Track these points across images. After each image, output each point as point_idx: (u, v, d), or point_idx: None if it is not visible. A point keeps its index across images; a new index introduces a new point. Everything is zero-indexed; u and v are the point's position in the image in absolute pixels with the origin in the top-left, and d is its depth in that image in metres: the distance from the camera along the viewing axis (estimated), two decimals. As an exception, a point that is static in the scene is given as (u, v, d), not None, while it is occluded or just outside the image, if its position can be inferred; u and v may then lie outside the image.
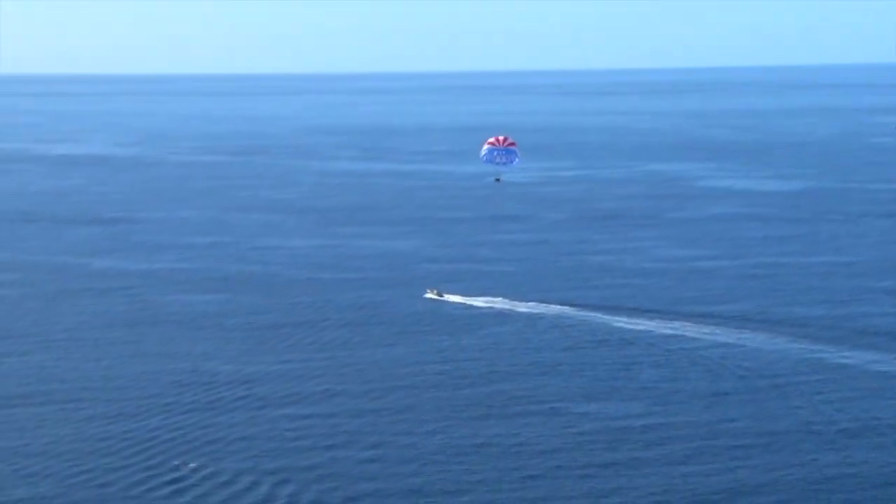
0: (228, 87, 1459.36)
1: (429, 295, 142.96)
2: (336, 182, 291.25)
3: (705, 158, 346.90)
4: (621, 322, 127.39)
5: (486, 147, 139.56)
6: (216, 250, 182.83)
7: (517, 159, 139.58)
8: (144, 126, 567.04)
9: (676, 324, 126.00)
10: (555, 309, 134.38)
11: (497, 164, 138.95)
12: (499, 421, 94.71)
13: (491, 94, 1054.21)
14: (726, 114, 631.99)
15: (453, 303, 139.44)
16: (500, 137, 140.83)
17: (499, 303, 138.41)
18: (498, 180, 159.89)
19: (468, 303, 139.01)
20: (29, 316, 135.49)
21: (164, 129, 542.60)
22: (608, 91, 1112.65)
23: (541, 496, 79.29)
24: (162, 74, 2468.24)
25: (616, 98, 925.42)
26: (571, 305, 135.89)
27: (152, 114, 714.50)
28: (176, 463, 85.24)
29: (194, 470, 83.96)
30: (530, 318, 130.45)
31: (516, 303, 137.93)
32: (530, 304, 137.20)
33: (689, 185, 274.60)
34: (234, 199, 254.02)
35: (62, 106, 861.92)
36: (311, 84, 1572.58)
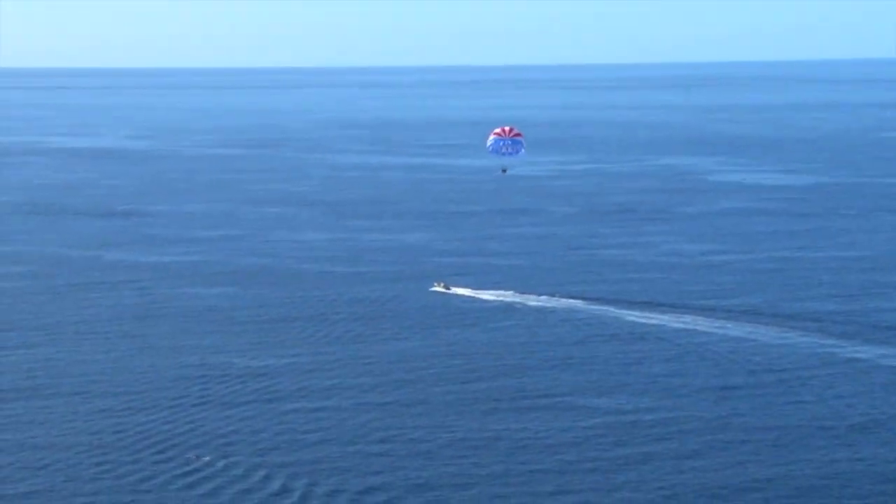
0: (230, 80, 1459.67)
1: (435, 288, 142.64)
2: (342, 176, 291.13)
3: (715, 153, 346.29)
4: (631, 316, 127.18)
5: (492, 137, 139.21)
6: (225, 243, 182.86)
7: (523, 150, 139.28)
8: (149, 119, 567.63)
9: (687, 318, 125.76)
10: (564, 303, 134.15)
11: (503, 154, 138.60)
12: (507, 415, 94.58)
13: (497, 89, 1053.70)
14: (733, 108, 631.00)
15: (462, 296, 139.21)
16: (506, 128, 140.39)
17: (508, 296, 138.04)
18: (504, 171, 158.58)
19: (477, 296, 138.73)
20: (37, 309, 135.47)
21: (168, 122, 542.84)
22: (612, 86, 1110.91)
23: (549, 490, 79.15)
24: (162, 68, 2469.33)
25: (620, 92, 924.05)
26: (581, 299, 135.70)
27: (155, 107, 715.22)
28: (189, 456, 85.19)
29: (208, 463, 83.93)
30: (540, 312, 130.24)
31: (526, 296, 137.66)
32: (540, 297, 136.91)
33: (700, 180, 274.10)
34: (243, 192, 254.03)
35: (66, 99, 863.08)
36: (313, 78, 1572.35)
